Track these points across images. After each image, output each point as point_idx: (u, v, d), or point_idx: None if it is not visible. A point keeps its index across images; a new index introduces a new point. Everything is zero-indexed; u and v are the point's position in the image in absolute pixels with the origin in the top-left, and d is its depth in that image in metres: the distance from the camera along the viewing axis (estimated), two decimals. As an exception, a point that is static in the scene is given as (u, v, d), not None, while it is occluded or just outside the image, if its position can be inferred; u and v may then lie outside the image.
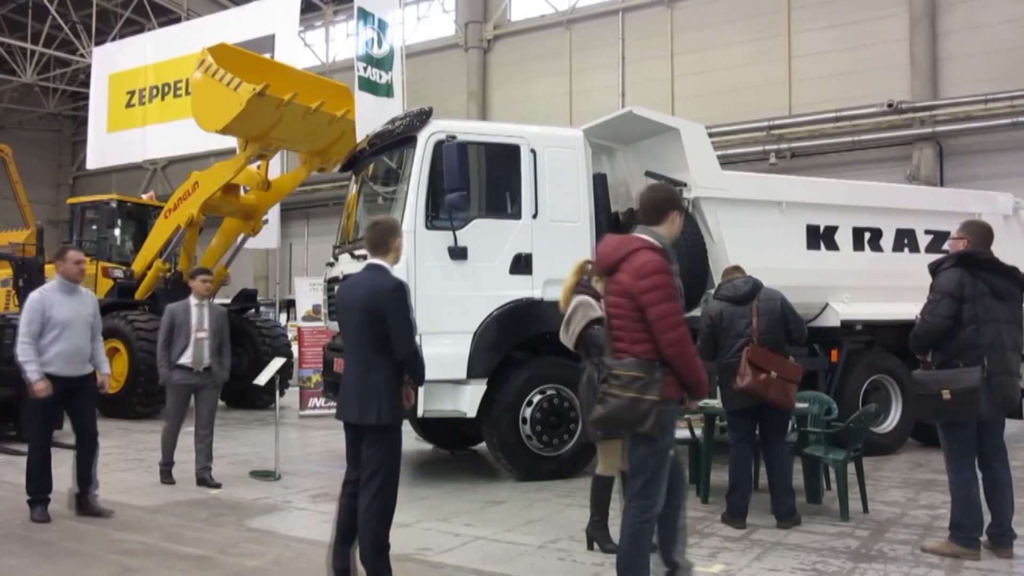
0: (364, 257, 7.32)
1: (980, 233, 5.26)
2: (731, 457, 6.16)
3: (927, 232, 9.33)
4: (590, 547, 5.37)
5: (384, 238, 4.47)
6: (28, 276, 10.65)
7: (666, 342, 3.77)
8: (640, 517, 3.89)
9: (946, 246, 5.59)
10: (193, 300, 7.63)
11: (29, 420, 6.50)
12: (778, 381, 5.84)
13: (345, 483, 4.45)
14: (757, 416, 6.04)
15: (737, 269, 6.55)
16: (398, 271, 6.78)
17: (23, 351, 6.03)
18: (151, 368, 12.59)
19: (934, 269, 5.23)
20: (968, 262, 5.07)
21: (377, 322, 4.21)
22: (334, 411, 4.65)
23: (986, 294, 5.01)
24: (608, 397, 3.86)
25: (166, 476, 7.70)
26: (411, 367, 4.35)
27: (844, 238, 9.04)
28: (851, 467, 6.37)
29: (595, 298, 5.42)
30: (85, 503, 6.37)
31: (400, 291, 4.28)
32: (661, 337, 3.78)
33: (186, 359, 7.49)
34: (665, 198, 4.10)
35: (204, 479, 7.55)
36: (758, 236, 8.36)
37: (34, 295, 6.20)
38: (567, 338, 5.55)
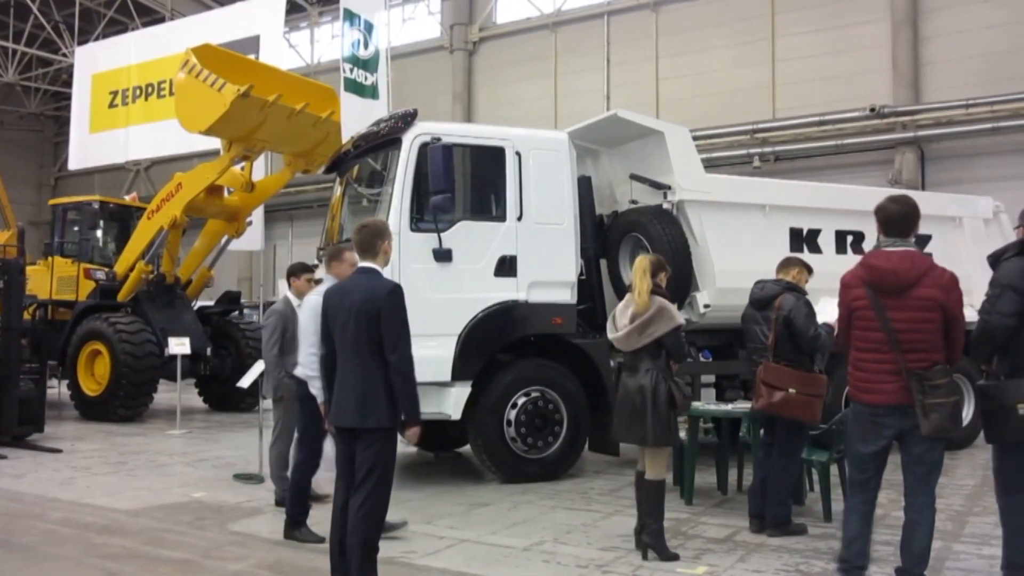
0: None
1: None
2: (758, 460, 6.14)
3: (909, 235, 9.38)
4: (645, 556, 5.18)
5: (372, 240, 4.44)
6: (9, 278, 10.52)
7: (961, 345, 4.24)
8: (935, 511, 4.28)
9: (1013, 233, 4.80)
10: (295, 300, 6.75)
11: (303, 437, 5.84)
12: (798, 397, 5.60)
13: (339, 501, 4.33)
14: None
15: (786, 264, 6.21)
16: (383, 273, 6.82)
17: (311, 363, 5.35)
18: (133, 371, 12.58)
19: (994, 260, 4.43)
20: None
21: (374, 325, 4.20)
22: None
23: None
24: (938, 407, 4.08)
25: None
26: (400, 375, 4.22)
27: (827, 241, 9.09)
28: (834, 468, 6.42)
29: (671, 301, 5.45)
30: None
31: (397, 294, 4.27)
32: (961, 341, 4.23)
33: None
34: (913, 212, 4.32)
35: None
36: (741, 239, 8.40)
37: (315, 299, 5.41)
38: (637, 339, 5.23)
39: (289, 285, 6.92)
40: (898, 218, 4.28)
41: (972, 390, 8.51)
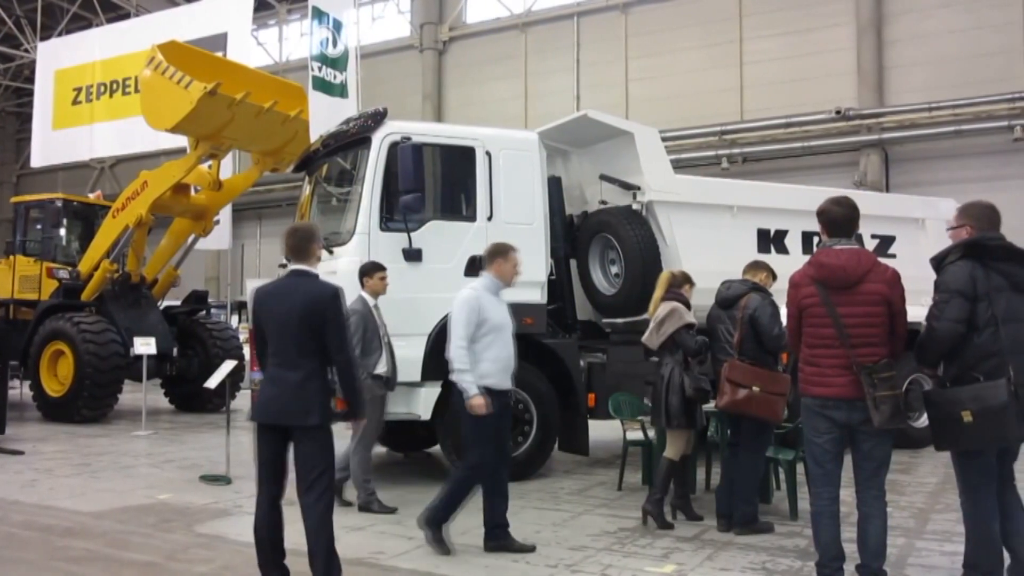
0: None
1: (984, 216, 4.33)
2: (725, 459, 6.20)
3: (873, 236, 9.53)
4: (645, 522, 6.03)
5: (306, 244, 4.48)
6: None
7: (904, 340, 4.36)
8: (886, 503, 4.44)
9: (948, 237, 4.64)
10: (371, 300, 6.70)
11: (470, 444, 5.48)
12: (762, 396, 5.67)
13: (267, 499, 4.36)
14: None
15: (755, 266, 6.30)
16: (354, 275, 6.78)
17: (459, 357, 5.28)
18: (98, 371, 12.40)
19: (937, 263, 4.36)
20: (978, 252, 4.19)
21: (318, 328, 4.27)
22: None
23: (1003, 288, 4.12)
24: (887, 399, 4.18)
25: (379, 503, 6.65)
26: (345, 375, 4.35)
27: (794, 242, 9.19)
28: (800, 467, 6.48)
29: (686, 306, 6.15)
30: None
31: (339, 298, 4.38)
32: (904, 335, 4.34)
33: (383, 368, 6.66)
34: (854, 212, 4.48)
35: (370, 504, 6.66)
36: (710, 239, 8.47)
37: (468, 293, 5.42)
38: (655, 338, 6.12)
39: (363, 285, 6.76)
40: (841, 219, 4.49)
41: None
